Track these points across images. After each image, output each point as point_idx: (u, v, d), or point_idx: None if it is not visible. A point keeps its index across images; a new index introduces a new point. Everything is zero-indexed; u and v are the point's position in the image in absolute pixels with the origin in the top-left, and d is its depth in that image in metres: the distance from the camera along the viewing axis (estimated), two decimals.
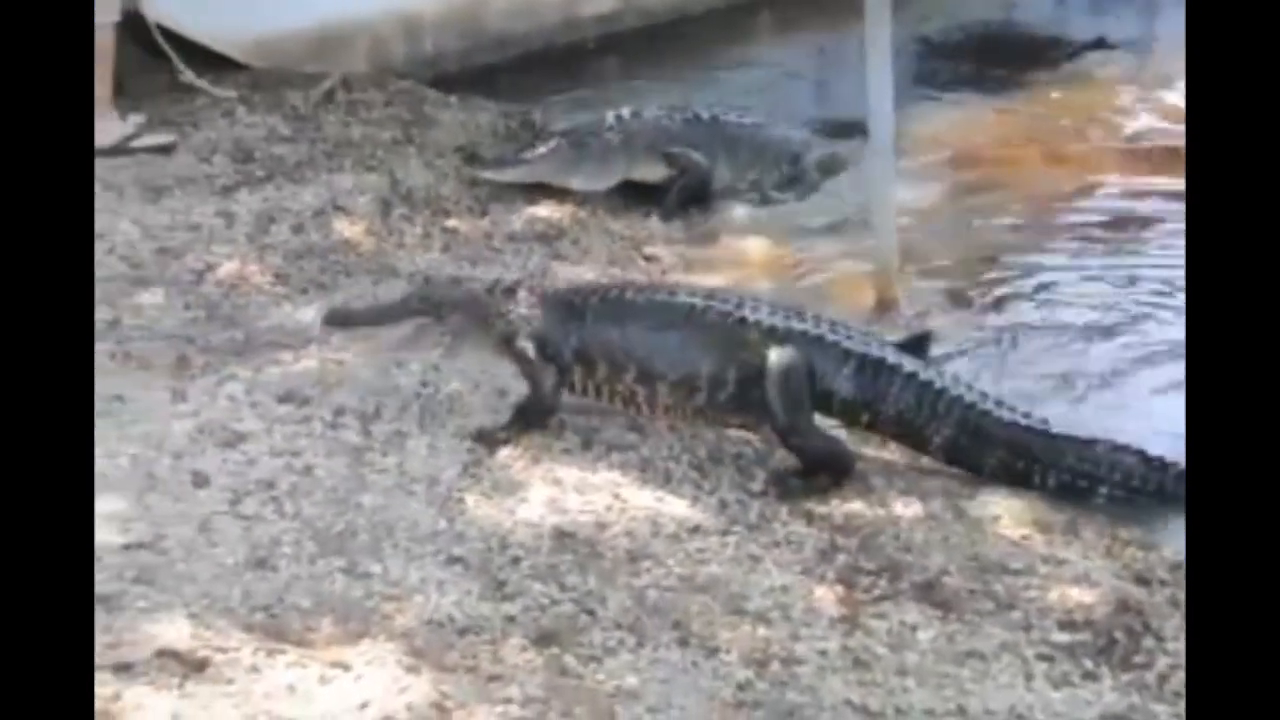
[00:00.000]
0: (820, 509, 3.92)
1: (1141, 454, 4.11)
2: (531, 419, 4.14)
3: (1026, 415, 4.15)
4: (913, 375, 4.08)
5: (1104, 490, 4.08)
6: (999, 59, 7.82)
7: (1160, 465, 4.09)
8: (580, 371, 4.14)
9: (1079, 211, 6.24)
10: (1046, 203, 6.26)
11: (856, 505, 3.95)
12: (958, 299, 5.38)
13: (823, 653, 3.35)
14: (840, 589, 3.59)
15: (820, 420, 4.09)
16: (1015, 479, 4.08)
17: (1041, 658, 3.38)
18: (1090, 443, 4.12)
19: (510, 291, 4.26)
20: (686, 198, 6.08)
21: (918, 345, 4.31)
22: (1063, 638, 3.45)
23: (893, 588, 3.60)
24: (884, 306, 5.07)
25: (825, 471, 4.02)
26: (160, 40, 6.24)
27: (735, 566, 3.68)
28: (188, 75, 6.34)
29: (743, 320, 4.09)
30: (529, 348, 4.12)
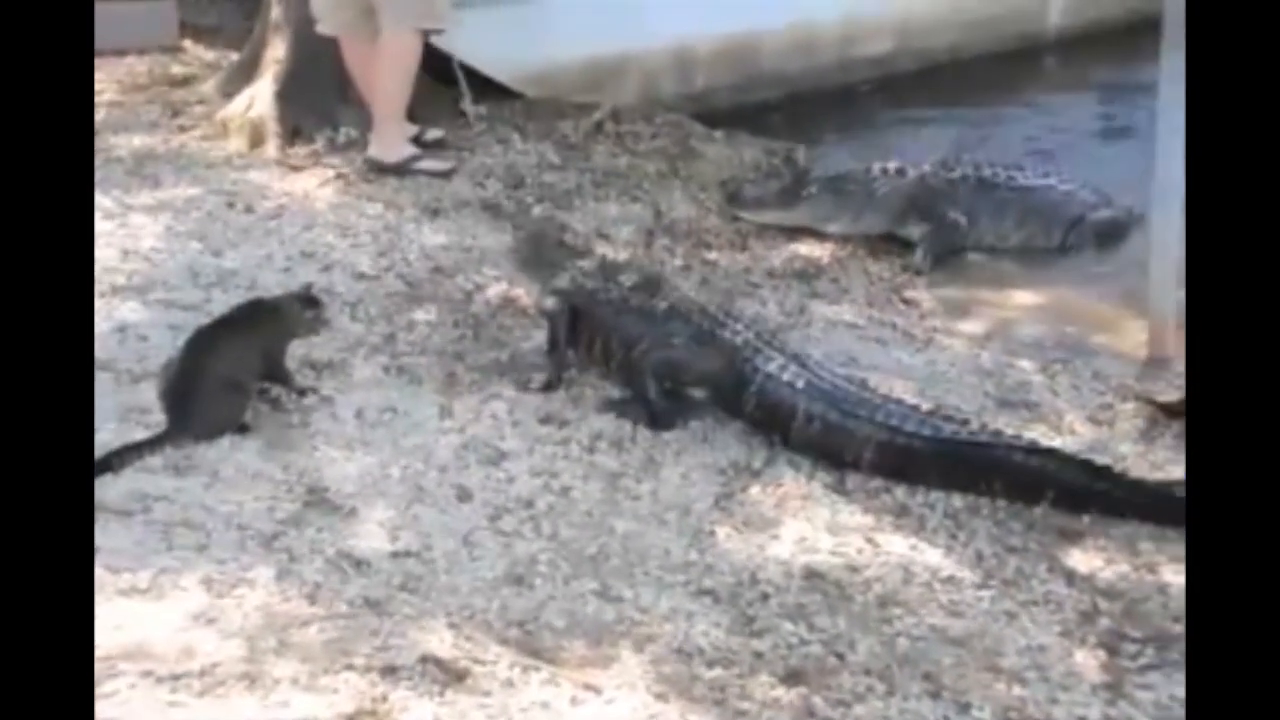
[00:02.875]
0: (1082, 570, 3.78)
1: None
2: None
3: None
4: (827, 392, 4.22)
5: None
6: None
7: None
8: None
9: None
10: None
11: (1123, 568, 3.79)
12: None
13: (1082, 719, 3.23)
14: (1103, 654, 3.45)
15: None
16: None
17: None
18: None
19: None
20: (935, 255, 5.90)
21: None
22: None
23: (1160, 658, 3.43)
24: (1157, 362, 4.85)
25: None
26: (457, 71, 6.51)
27: (990, 621, 3.58)
28: (469, 106, 6.58)
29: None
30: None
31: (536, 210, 5.76)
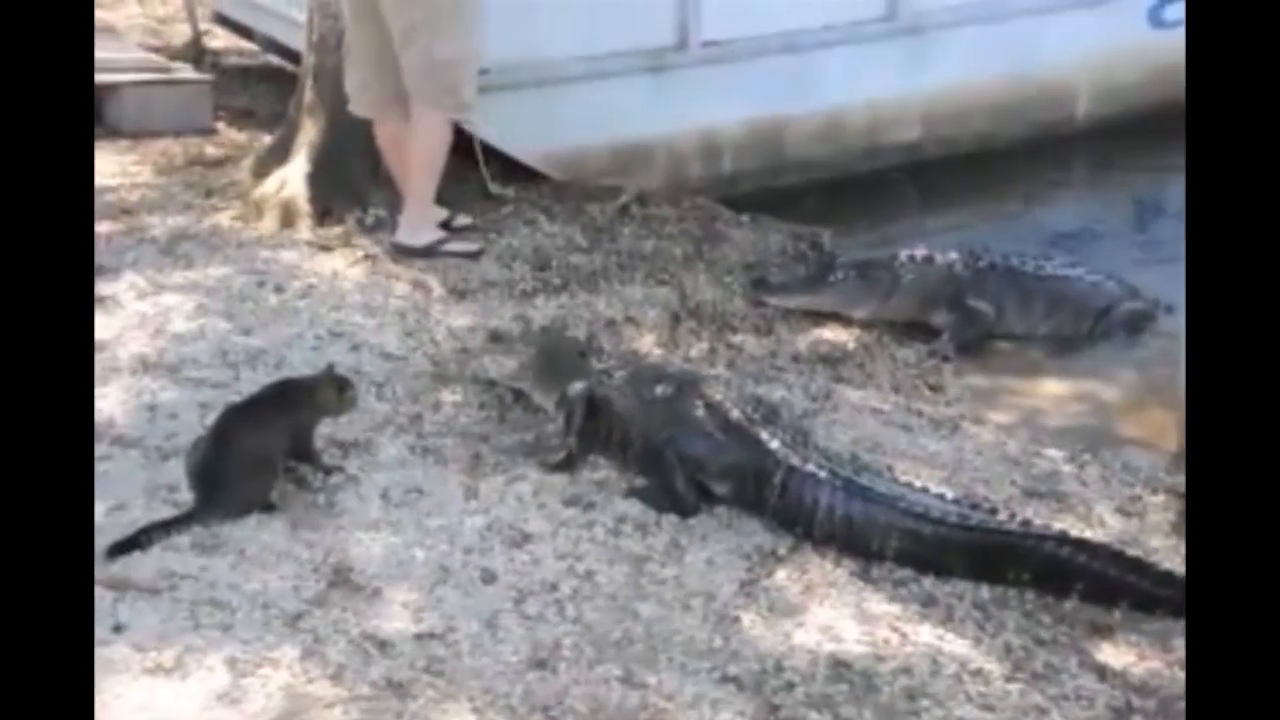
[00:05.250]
0: (1115, 664, 3.73)
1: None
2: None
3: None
4: (849, 483, 4.18)
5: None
6: None
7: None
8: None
9: None
10: None
11: (1155, 664, 3.73)
12: None
13: None
14: None
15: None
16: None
17: None
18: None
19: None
20: (961, 343, 5.88)
21: None
22: None
23: None
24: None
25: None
26: (479, 153, 6.58)
27: (1020, 716, 3.52)
28: (495, 187, 6.66)
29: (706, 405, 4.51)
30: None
31: (545, 314, 5.68)
